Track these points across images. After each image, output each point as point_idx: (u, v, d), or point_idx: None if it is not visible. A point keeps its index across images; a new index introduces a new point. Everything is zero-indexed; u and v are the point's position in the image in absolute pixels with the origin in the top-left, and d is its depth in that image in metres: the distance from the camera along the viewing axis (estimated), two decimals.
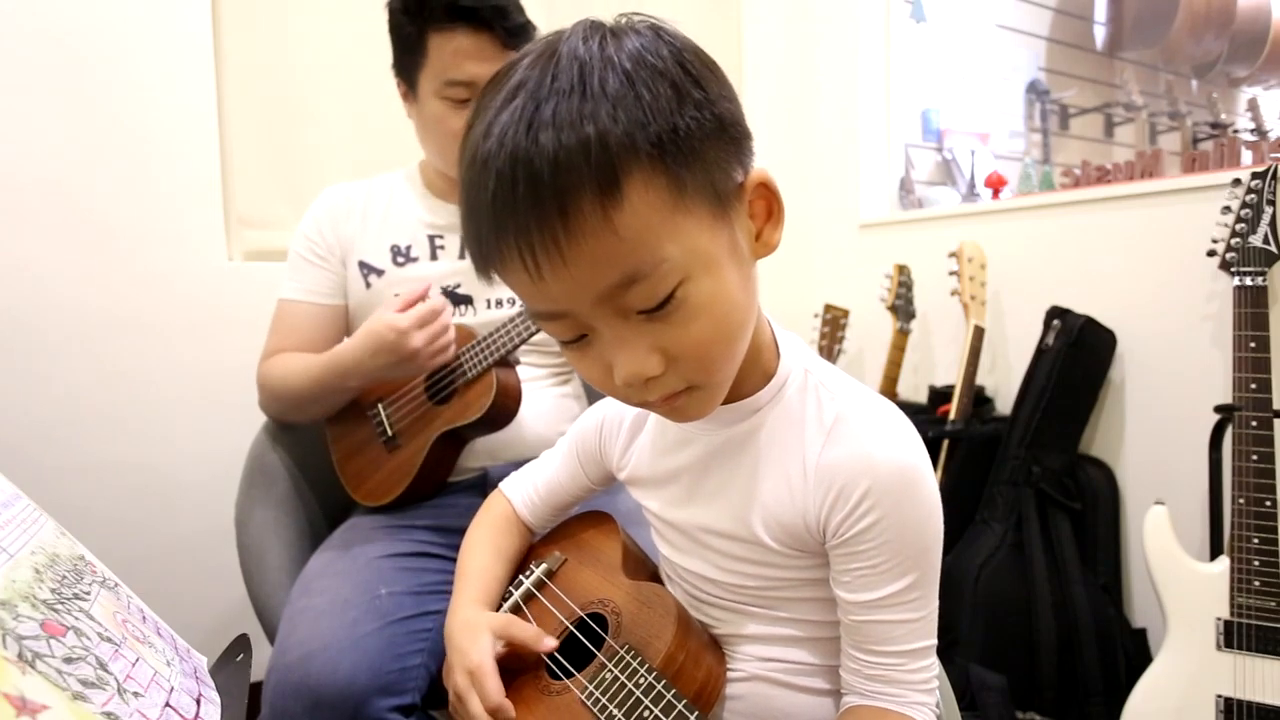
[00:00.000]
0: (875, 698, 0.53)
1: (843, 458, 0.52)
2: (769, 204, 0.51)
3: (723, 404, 0.55)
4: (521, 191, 0.42)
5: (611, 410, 0.70)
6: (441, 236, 1.11)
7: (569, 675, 0.61)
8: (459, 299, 1.09)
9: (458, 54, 0.98)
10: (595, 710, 0.57)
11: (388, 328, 0.92)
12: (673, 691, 0.53)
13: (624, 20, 0.47)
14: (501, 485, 0.79)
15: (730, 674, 0.59)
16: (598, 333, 0.47)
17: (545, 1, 1.82)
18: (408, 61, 1.03)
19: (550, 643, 0.62)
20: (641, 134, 0.42)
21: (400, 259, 1.09)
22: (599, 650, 0.61)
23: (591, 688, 0.58)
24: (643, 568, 0.70)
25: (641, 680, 0.55)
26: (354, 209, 1.12)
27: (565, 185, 0.41)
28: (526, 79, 0.44)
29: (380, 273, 1.09)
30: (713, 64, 0.48)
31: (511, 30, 0.98)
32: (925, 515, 0.52)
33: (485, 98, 0.46)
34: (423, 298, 0.96)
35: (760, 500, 0.56)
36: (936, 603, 0.54)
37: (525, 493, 0.77)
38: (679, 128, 0.43)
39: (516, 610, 0.70)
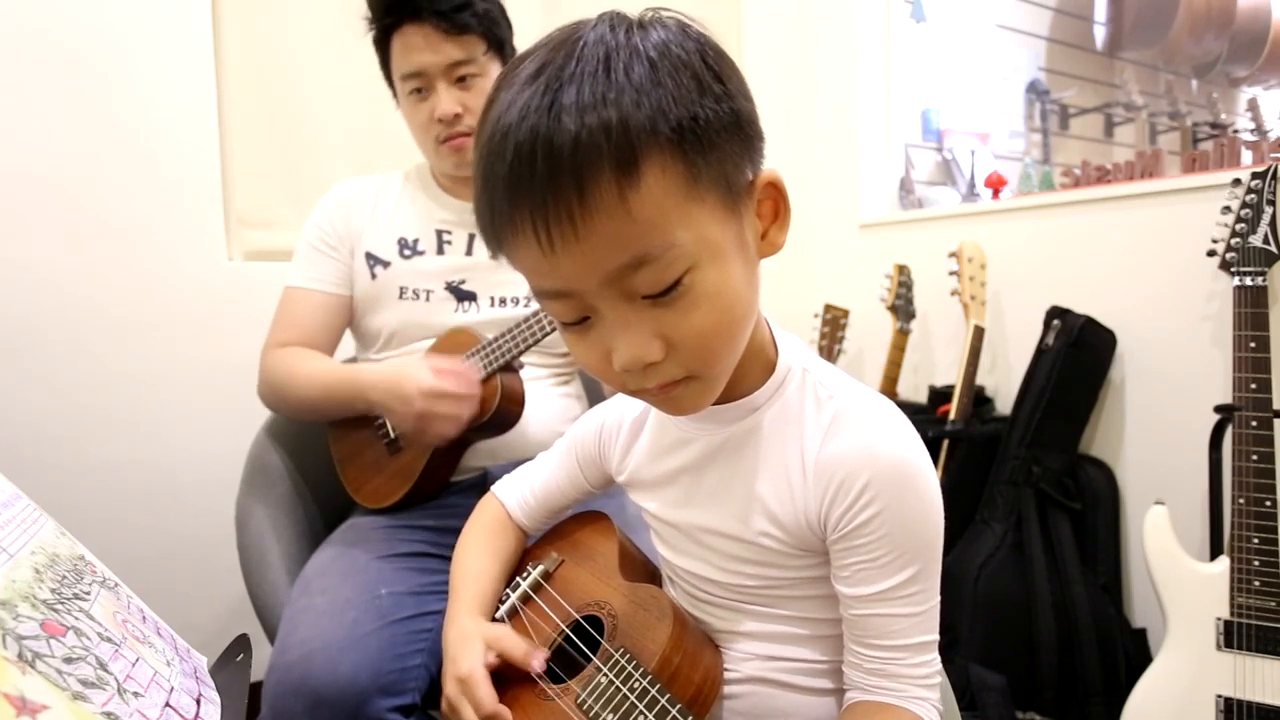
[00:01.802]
0: (876, 692, 0.53)
1: (842, 451, 0.53)
2: (776, 205, 0.51)
3: (721, 403, 0.55)
4: (540, 166, 0.43)
5: (611, 414, 0.70)
6: (449, 231, 1.12)
7: (566, 679, 0.61)
8: (463, 295, 1.09)
9: (407, 48, 1.03)
10: (590, 715, 0.56)
11: (411, 379, 0.93)
12: (667, 696, 0.53)
13: (650, 14, 0.48)
14: (494, 488, 0.79)
15: (731, 673, 0.59)
16: (601, 315, 0.47)
17: (546, 2, 1.82)
18: (385, 69, 1.11)
19: (539, 663, 0.62)
20: (662, 120, 0.43)
21: (407, 252, 1.10)
22: (594, 654, 0.61)
23: (587, 692, 0.58)
24: (641, 568, 0.70)
25: (636, 685, 0.55)
26: (365, 201, 1.14)
27: (584, 163, 0.42)
28: (550, 61, 0.45)
29: (386, 264, 1.10)
30: (732, 62, 0.49)
31: (444, 13, 1.01)
32: (926, 508, 0.52)
33: (504, 79, 0.47)
34: (474, 389, 0.95)
35: (760, 500, 0.56)
36: (938, 598, 0.54)
37: (520, 495, 0.77)
38: (699, 117, 0.44)
39: (514, 613, 0.70)
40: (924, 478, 0.52)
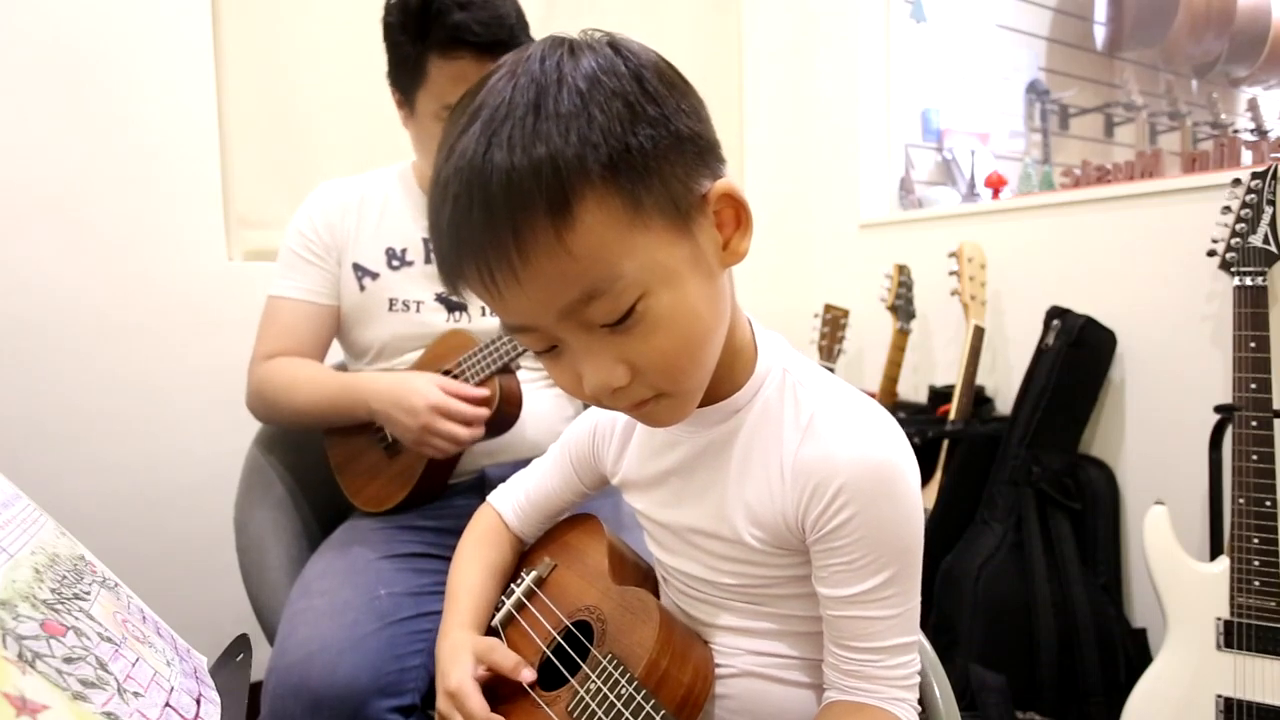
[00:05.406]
0: (853, 693, 0.54)
1: (818, 454, 0.53)
2: (737, 213, 0.51)
3: (704, 405, 0.55)
4: (476, 213, 0.43)
5: (604, 416, 0.70)
6: None
7: (558, 686, 0.61)
8: (454, 305, 1.08)
9: (459, 80, 0.96)
10: None
11: (419, 392, 0.93)
12: (652, 703, 0.53)
13: (585, 36, 0.48)
14: (489, 498, 0.79)
15: (722, 670, 0.59)
16: (565, 344, 0.48)
17: (545, 1, 1.82)
18: (405, 79, 1.01)
19: (528, 675, 0.62)
20: (593, 155, 0.42)
21: (395, 262, 1.08)
22: (584, 661, 0.61)
23: (576, 700, 0.58)
24: (632, 569, 0.70)
25: (623, 691, 0.55)
26: (349, 208, 1.10)
27: (517, 206, 0.42)
28: (487, 100, 0.45)
29: (375, 275, 1.08)
30: (674, 79, 0.48)
31: None
32: (902, 512, 0.52)
33: (451, 119, 0.47)
34: (481, 415, 0.95)
35: (743, 500, 0.56)
36: (917, 600, 0.54)
37: (515, 502, 0.77)
38: (632, 146, 0.44)
39: (509, 620, 0.70)
40: (901, 481, 0.52)
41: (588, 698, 0.57)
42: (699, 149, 0.48)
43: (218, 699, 0.48)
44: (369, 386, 0.99)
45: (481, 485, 1.05)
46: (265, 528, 1.06)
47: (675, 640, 0.58)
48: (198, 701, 0.46)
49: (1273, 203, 1.19)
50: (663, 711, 0.53)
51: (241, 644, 0.56)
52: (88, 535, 0.54)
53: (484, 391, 0.96)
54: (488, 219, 0.43)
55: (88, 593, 0.45)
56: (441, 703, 0.63)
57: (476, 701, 0.60)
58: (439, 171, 0.46)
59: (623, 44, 0.47)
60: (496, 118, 0.43)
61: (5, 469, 0.51)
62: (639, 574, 0.70)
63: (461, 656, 0.64)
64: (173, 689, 0.44)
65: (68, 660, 0.38)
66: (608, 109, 0.43)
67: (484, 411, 0.95)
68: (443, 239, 0.46)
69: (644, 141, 0.44)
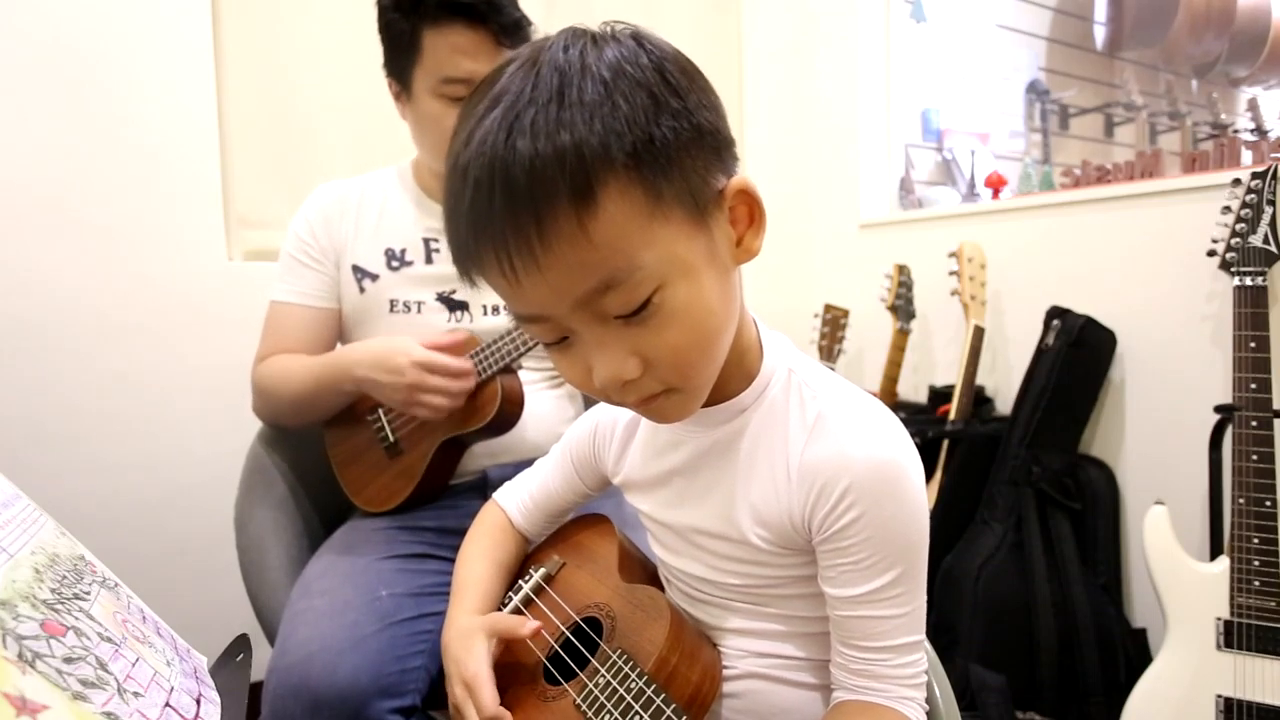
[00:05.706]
0: (862, 692, 0.54)
1: (824, 455, 0.53)
2: (751, 210, 0.51)
3: (709, 405, 0.55)
4: (498, 199, 0.43)
5: (605, 416, 0.70)
6: (437, 240, 1.09)
7: (566, 680, 0.61)
8: (455, 305, 1.08)
9: (454, 50, 0.97)
10: (590, 715, 0.57)
11: (402, 351, 0.93)
12: (662, 696, 0.53)
13: (607, 28, 0.48)
14: (495, 495, 0.80)
15: (728, 671, 0.59)
16: (578, 335, 0.48)
17: (545, 1, 1.82)
18: (401, 60, 1.01)
19: (533, 624, 0.63)
20: (617, 144, 0.43)
21: (395, 263, 1.08)
22: (594, 656, 0.61)
23: (585, 694, 0.58)
24: (640, 569, 0.70)
25: (633, 685, 0.55)
26: (347, 209, 1.10)
27: (540, 193, 0.42)
28: (509, 87, 0.45)
29: (375, 277, 1.08)
30: (694, 73, 0.49)
31: (506, 26, 0.97)
32: (907, 512, 0.52)
33: (469, 105, 0.47)
34: (460, 347, 0.96)
35: (747, 500, 0.56)
36: (923, 599, 0.54)
37: (519, 501, 0.77)
38: (655, 137, 0.44)
39: (516, 614, 0.70)
40: (906, 481, 0.52)
41: (597, 691, 0.57)
42: (717, 144, 0.48)
43: (218, 699, 0.48)
44: (351, 355, 0.99)
45: (483, 486, 1.05)
46: (265, 527, 1.06)
47: (685, 639, 0.58)
48: (198, 701, 0.46)
49: (1273, 203, 1.19)
50: (673, 705, 0.53)
51: (241, 644, 0.56)
52: (88, 535, 0.54)
53: (465, 362, 0.95)
54: (510, 205, 0.43)
55: (88, 593, 0.45)
56: (457, 690, 0.63)
57: (489, 693, 0.61)
58: (456, 158, 0.46)
59: (645, 36, 0.48)
60: (519, 105, 0.43)
61: (5, 469, 0.51)
62: (647, 575, 0.70)
63: (476, 643, 0.64)
64: (173, 689, 0.44)
65: (68, 660, 0.38)
66: (632, 99, 0.44)
67: (468, 365, 0.95)
68: (461, 225, 0.46)
69: (667, 133, 0.44)
